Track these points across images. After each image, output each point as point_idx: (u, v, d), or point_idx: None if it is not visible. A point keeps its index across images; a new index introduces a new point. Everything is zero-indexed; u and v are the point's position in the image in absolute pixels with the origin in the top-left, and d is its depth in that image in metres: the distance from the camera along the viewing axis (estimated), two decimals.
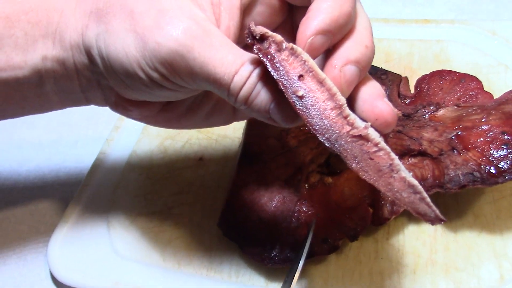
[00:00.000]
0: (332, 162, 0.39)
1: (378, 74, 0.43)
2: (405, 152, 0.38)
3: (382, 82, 0.43)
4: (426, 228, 0.38)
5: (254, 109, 0.28)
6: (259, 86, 0.27)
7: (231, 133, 0.48)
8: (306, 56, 0.26)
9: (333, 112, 0.25)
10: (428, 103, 0.40)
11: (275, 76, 0.26)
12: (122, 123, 0.50)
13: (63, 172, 0.49)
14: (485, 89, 0.44)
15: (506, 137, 0.34)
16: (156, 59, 0.27)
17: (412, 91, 0.44)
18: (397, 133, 0.39)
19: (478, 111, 0.37)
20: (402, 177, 0.25)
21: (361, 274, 0.37)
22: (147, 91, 0.29)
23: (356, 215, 0.37)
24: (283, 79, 0.25)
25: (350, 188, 0.38)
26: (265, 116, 0.28)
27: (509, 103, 0.37)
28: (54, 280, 0.41)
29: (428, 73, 0.44)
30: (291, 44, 0.26)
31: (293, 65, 0.26)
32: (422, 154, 0.37)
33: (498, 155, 0.34)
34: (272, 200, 0.39)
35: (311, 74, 0.26)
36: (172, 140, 0.48)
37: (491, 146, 0.34)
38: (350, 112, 0.26)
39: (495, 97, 0.40)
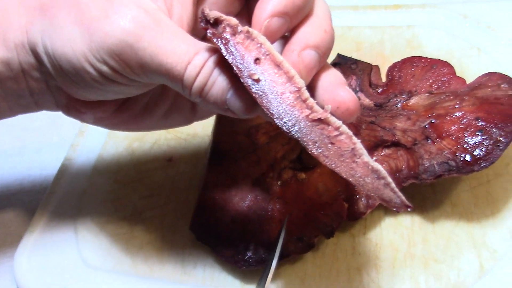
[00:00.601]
0: (305, 158, 0.38)
1: (348, 64, 0.42)
2: (378, 144, 0.37)
3: (352, 72, 0.41)
4: (403, 220, 0.37)
5: (210, 101, 0.26)
6: (215, 74, 0.26)
7: (201, 131, 0.46)
8: (262, 39, 0.24)
9: (291, 95, 0.24)
10: (400, 92, 0.39)
11: (230, 60, 0.24)
12: (87, 127, 0.48)
13: (28, 181, 0.47)
14: (458, 73, 0.43)
15: (480, 123, 0.33)
16: (103, 50, 0.25)
17: (384, 79, 0.43)
18: (370, 124, 0.38)
19: (451, 97, 0.36)
20: (365, 161, 0.24)
21: (338, 271, 0.36)
22: (97, 87, 0.27)
23: (331, 210, 0.36)
24: (238, 63, 0.24)
25: (324, 183, 0.37)
26: (223, 108, 0.26)
27: (482, 88, 0.36)
28: None
29: (399, 60, 0.43)
30: (246, 27, 0.25)
31: (248, 48, 0.24)
32: (396, 144, 0.36)
33: (473, 142, 0.33)
34: (244, 200, 0.38)
35: (267, 57, 0.24)
36: (140, 141, 0.47)
37: (465, 133, 0.33)
38: (309, 96, 0.24)
39: (468, 82, 0.39)
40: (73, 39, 0.26)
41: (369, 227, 0.38)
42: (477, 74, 0.43)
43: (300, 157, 0.38)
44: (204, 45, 0.26)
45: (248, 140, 0.41)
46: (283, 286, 0.36)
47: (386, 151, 0.37)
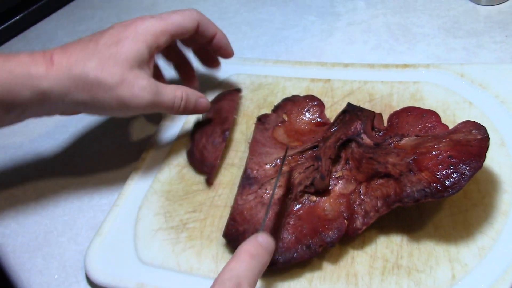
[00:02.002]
0: (316, 184, 0.47)
1: (355, 111, 0.52)
2: (374, 174, 0.46)
3: (358, 117, 0.51)
4: (394, 239, 0.46)
5: (187, 111, 0.55)
6: (189, 97, 0.54)
7: (238, 162, 0.57)
8: None
9: None
10: (395, 135, 0.49)
11: None
12: (147, 154, 0.60)
13: (96, 197, 0.59)
14: (451, 122, 0.52)
15: (452, 160, 0.42)
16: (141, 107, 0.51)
17: (386, 124, 0.52)
18: (369, 159, 0.47)
19: (433, 139, 0.45)
20: None
21: (339, 276, 0.45)
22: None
23: (334, 225, 0.45)
24: None
25: (330, 205, 0.47)
26: (193, 112, 0.57)
27: (457, 132, 0.45)
28: (90, 282, 0.50)
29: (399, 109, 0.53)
30: None
31: None
32: (388, 175, 0.45)
33: (444, 174, 0.41)
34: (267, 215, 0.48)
35: None
36: (189, 168, 0.58)
37: (439, 167, 0.42)
38: None
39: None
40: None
41: (366, 242, 0.46)
42: None
43: (313, 183, 0.48)
44: (175, 86, 0.53)
45: (273, 169, 0.51)
46: (295, 285, 0.45)
47: (380, 181, 0.46)
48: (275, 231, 0.46)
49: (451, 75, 0.58)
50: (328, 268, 0.46)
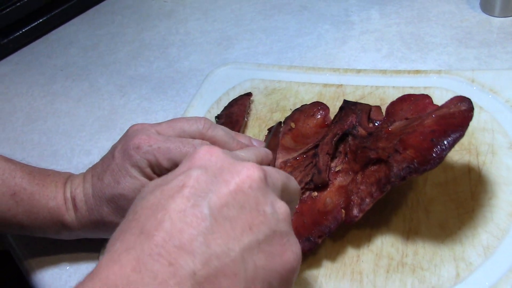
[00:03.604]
0: (315, 180, 0.48)
1: (349, 105, 0.53)
2: (368, 162, 0.46)
3: (352, 111, 0.52)
4: (400, 238, 0.46)
5: None
6: None
7: None
8: None
9: None
10: (388, 122, 0.49)
11: None
12: None
13: None
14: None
15: (434, 133, 0.42)
16: None
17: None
18: (363, 148, 0.47)
19: (419, 118, 0.45)
20: None
21: (344, 273, 0.45)
22: None
23: (331, 215, 0.45)
24: None
25: (331, 198, 0.47)
26: None
27: (443, 108, 0.44)
28: None
29: None
30: None
31: None
32: (379, 160, 0.45)
33: (425, 147, 0.41)
34: None
35: None
36: None
37: (422, 142, 0.42)
38: None
39: None
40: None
41: (372, 241, 0.47)
42: (477, 127, 0.53)
43: (312, 179, 0.49)
44: None
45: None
46: (301, 282, 0.46)
47: (374, 167, 0.46)
48: None
49: (462, 81, 0.59)
50: (334, 266, 0.46)
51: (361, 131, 0.50)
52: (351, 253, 0.47)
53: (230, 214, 0.30)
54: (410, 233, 0.47)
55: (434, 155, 0.41)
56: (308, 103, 0.60)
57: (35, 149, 0.68)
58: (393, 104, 0.53)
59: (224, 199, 0.31)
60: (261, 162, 0.41)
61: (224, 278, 0.28)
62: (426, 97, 0.51)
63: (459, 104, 0.44)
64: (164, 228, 0.29)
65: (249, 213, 0.31)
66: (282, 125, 0.59)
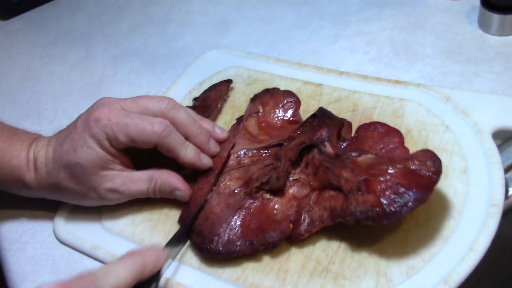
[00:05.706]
0: (272, 183, 0.49)
1: (324, 117, 0.52)
2: (327, 185, 0.46)
3: (326, 124, 0.51)
4: (333, 244, 0.47)
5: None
6: None
7: None
8: None
9: None
10: (356, 149, 0.49)
11: None
12: None
13: None
14: (423, 143, 0.52)
15: (399, 188, 0.42)
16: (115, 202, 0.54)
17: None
18: (326, 168, 0.48)
19: (388, 162, 0.45)
20: None
21: (271, 269, 0.47)
22: None
23: (279, 228, 0.46)
24: None
25: (281, 205, 0.48)
26: None
27: (413, 160, 0.44)
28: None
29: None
30: None
31: None
32: (339, 189, 0.45)
33: (388, 201, 0.41)
34: (219, 205, 0.50)
35: None
36: None
37: (386, 193, 0.42)
38: None
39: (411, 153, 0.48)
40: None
41: (306, 242, 0.48)
42: (437, 146, 0.53)
43: (268, 182, 0.49)
44: (147, 174, 0.53)
45: (236, 159, 0.53)
46: (227, 271, 0.47)
47: (332, 192, 0.46)
48: (224, 220, 0.48)
49: (437, 97, 0.58)
50: (264, 260, 0.47)
51: (328, 147, 0.49)
52: (283, 251, 0.48)
53: None
54: (343, 241, 0.47)
55: (394, 212, 0.41)
56: (282, 89, 0.60)
57: (23, 107, 0.72)
58: (364, 128, 0.52)
59: None
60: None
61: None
62: (398, 134, 0.50)
63: (429, 162, 0.43)
64: None
65: None
66: (250, 102, 0.60)
